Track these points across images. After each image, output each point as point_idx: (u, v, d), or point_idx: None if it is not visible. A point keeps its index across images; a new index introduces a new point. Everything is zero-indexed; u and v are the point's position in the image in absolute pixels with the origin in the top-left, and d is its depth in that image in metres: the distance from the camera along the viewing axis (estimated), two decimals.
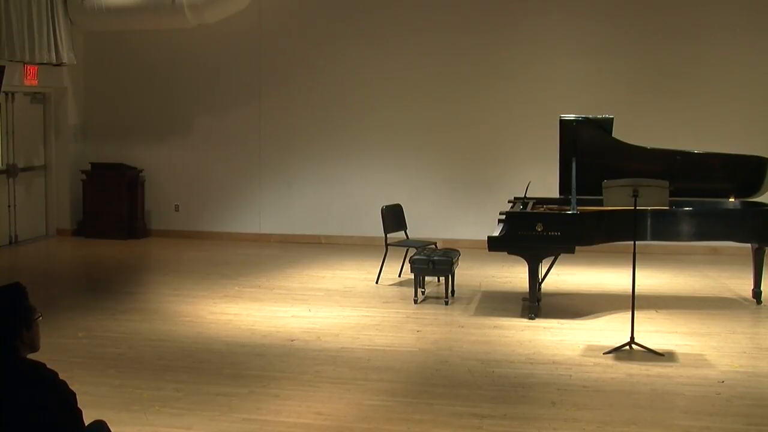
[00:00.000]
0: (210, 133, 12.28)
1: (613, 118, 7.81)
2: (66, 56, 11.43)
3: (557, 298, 8.43)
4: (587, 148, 7.70)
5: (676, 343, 6.75)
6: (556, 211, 7.98)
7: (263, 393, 5.55)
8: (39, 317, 3.15)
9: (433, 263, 8.15)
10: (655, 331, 7.07)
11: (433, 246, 9.05)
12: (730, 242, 8.56)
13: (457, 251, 8.61)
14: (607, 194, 6.71)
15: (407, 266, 8.72)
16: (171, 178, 12.40)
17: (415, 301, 8.20)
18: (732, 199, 8.16)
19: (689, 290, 8.85)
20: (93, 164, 12.19)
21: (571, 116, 7.74)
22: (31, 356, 3.12)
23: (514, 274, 9.26)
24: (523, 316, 7.64)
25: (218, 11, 11.40)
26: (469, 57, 11.43)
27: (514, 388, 5.67)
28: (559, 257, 8.03)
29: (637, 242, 6.83)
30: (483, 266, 9.81)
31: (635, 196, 6.50)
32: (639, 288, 7.28)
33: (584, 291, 8.83)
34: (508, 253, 7.70)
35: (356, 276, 9.54)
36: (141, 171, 12.30)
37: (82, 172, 12.20)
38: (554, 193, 8.23)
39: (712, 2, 10.91)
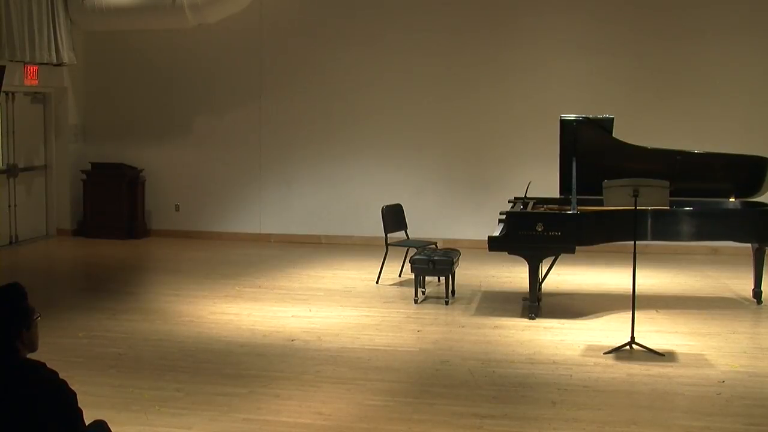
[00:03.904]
0: (210, 133, 12.28)
1: (613, 118, 7.81)
2: (66, 56, 11.43)
3: (557, 298, 8.43)
4: (587, 148, 7.70)
5: (677, 343, 6.75)
6: (557, 211, 7.98)
7: (263, 393, 5.55)
8: (38, 317, 3.15)
9: (433, 263, 8.15)
10: (655, 331, 7.07)
11: (434, 246, 9.05)
12: (730, 242, 8.56)
13: (458, 251, 8.61)
14: (607, 194, 6.71)
15: (407, 266, 8.71)
16: (171, 178, 12.39)
17: (416, 301, 8.20)
18: (732, 199, 8.16)
19: (689, 290, 8.85)
20: (93, 164, 12.19)
21: (571, 116, 7.74)
22: (31, 356, 3.12)
23: (514, 274, 9.26)
24: (523, 316, 7.64)
25: (218, 11, 11.40)
26: (469, 57, 11.43)
27: (515, 388, 5.67)
28: (560, 257, 8.03)
29: (637, 242, 6.83)
30: (483, 266, 9.81)
31: (635, 196, 6.50)
32: (639, 288, 7.27)
33: (584, 291, 8.83)
34: (509, 253, 7.70)
35: (356, 276, 9.53)
36: (141, 171, 12.30)
37: (82, 172, 12.20)
38: (554, 193, 8.23)
39: (712, 2, 10.91)
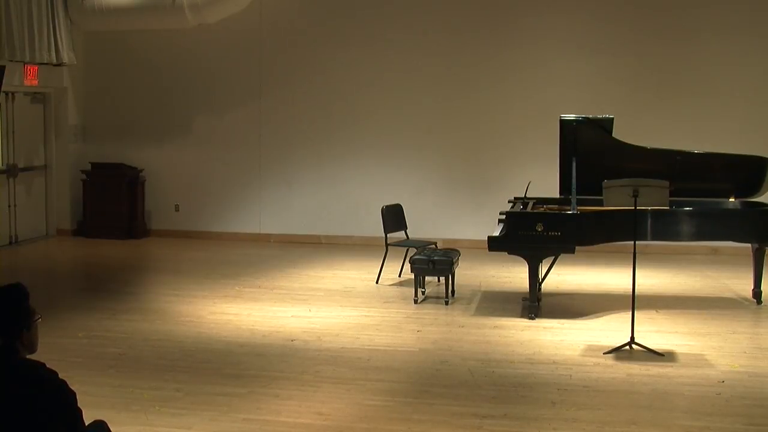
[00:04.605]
0: (210, 133, 12.28)
1: (613, 118, 7.81)
2: (66, 56, 11.43)
3: (557, 298, 8.43)
4: (587, 148, 7.70)
5: (676, 343, 6.75)
6: (556, 211, 7.98)
7: (263, 393, 5.55)
8: (38, 319, 3.15)
9: (433, 263, 8.15)
10: (655, 331, 7.07)
11: (434, 246, 9.05)
12: (730, 242, 8.56)
13: (457, 251, 8.61)
14: (607, 194, 6.71)
15: (407, 266, 8.71)
16: (171, 178, 12.40)
17: (415, 301, 8.20)
18: (732, 199, 8.16)
19: (689, 290, 8.85)
20: (93, 164, 12.19)
21: (571, 116, 7.74)
22: (31, 356, 3.12)
23: (514, 274, 9.26)
24: (523, 316, 7.64)
25: (218, 11, 11.40)
26: (469, 57, 11.43)
27: (514, 388, 5.67)
28: (559, 257, 8.03)
29: (637, 242, 6.83)
30: (483, 266, 9.81)
31: (635, 196, 6.50)
32: (639, 288, 7.28)
33: (584, 291, 8.83)
34: (508, 253, 7.70)
35: (356, 276, 9.53)
36: (141, 171, 12.30)
37: (82, 172, 12.20)
38: (554, 193, 8.23)
39: (712, 2, 10.91)
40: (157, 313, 7.77)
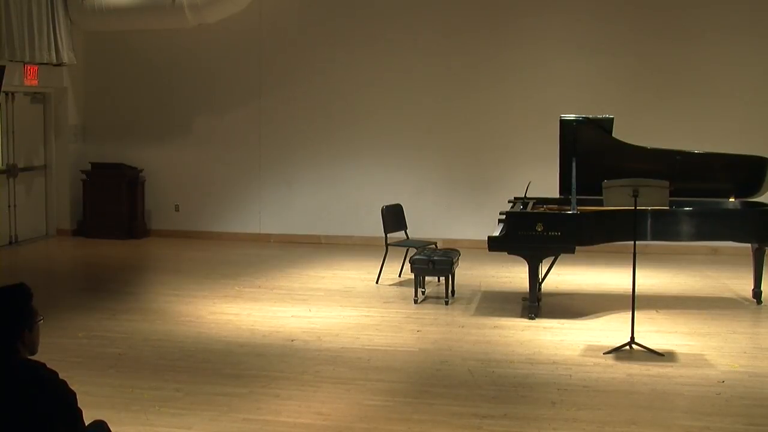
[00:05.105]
0: (210, 133, 12.28)
1: (613, 118, 7.81)
2: (66, 56, 11.43)
3: (557, 298, 8.43)
4: (587, 148, 7.69)
5: (676, 343, 6.75)
6: (556, 211, 7.98)
7: (263, 393, 5.55)
8: (41, 320, 3.15)
9: (433, 263, 8.15)
10: (655, 331, 7.07)
11: (434, 246, 9.05)
12: (730, 242, 8.56)
13: (457, 251, 8.61)
14: (607, 194, 6.71)
15: (407, 266, 8.72)
16: (171, 178, 12.40)
17: (415, 301, 8.20)
18: (732, 199, 8.16)
19: (689, 290, 8.85)
20: (93, 164, 12.19)
21: (571, 116, 7.74)
22: (31, 356, 3.13)
23: (514, 274, 9.26)
24: (523, 316, 7.64)
25: (218, 11, 11.40)
26: (469, 57, 11.43)
27: (514, 388, 5.67)
28: (559, 257, 8.03)
29: (637, 242, 6.83)
30: (483, 266, 9.81)
31: (635, 196, 6.50)
32: (639, 288, 7.28)
33: (584, 291, 8.83)
34: (508, 253, 7.70)
35: (356, 276, 9.54)
36: (141, 171, 12.30)
37: (82, 172, 12.20)
38: (554, 193, 8.23)
39: (712, 2, 10.91)
40: (157, 313, 7.77)
